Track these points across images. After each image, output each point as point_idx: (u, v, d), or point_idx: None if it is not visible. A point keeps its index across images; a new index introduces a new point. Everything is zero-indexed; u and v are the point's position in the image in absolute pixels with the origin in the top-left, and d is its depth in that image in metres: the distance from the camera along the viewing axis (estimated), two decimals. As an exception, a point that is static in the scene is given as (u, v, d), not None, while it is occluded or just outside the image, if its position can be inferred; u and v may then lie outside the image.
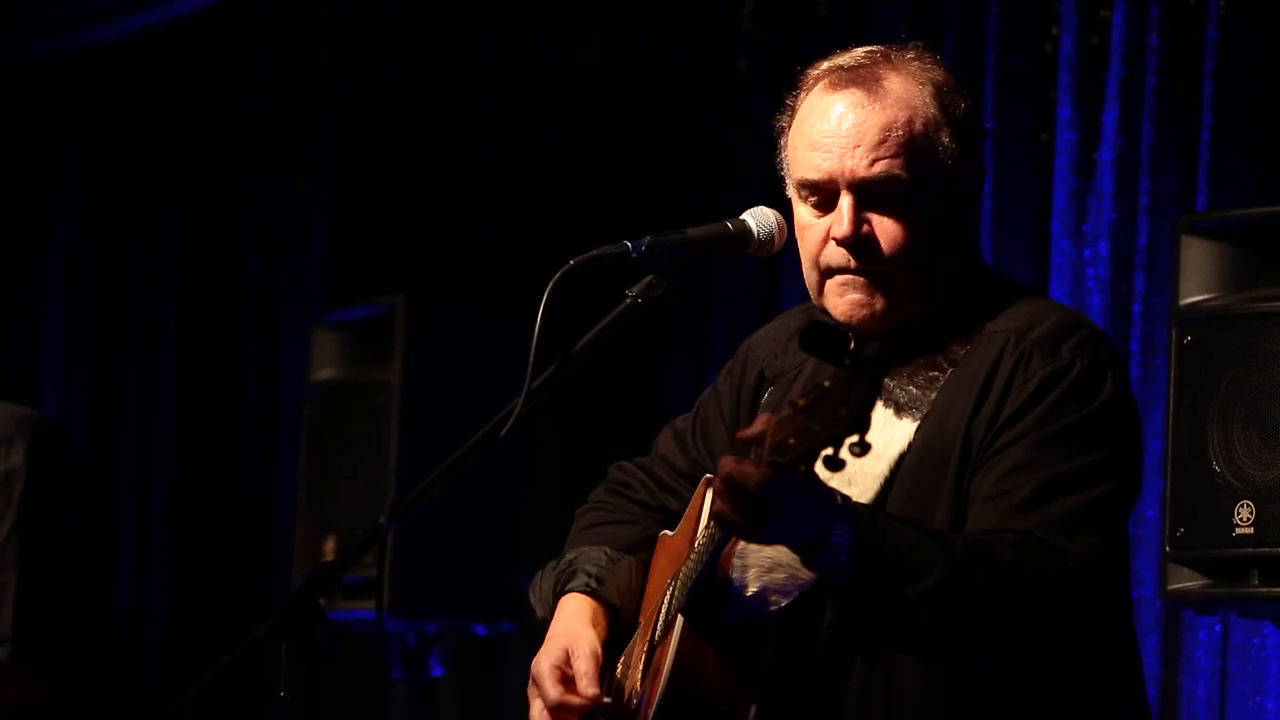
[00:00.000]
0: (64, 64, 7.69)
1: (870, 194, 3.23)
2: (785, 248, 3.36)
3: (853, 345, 3.24)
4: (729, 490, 2.89)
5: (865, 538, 2.96)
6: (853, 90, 3.24)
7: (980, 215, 3.38)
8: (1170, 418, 4.13)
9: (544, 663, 3.33)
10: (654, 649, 3.27)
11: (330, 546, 5.90)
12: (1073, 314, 3.33)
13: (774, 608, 3.14)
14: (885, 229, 3.23)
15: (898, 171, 3.21)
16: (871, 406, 2.80)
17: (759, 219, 3.30)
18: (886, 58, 3.28)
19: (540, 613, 3.46)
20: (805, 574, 3.11)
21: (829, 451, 2.81)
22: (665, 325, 6.08)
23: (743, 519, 2.91)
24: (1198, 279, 4.20)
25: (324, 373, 6.13)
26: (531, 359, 3.11)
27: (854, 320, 3.26)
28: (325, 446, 6.05)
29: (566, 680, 3.29)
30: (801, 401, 2.83)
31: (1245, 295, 4.14)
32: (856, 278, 3.24)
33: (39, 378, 7.68)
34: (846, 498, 3.00)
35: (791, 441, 2.83)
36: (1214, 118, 4.95)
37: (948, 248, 3.27)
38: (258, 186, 7.20)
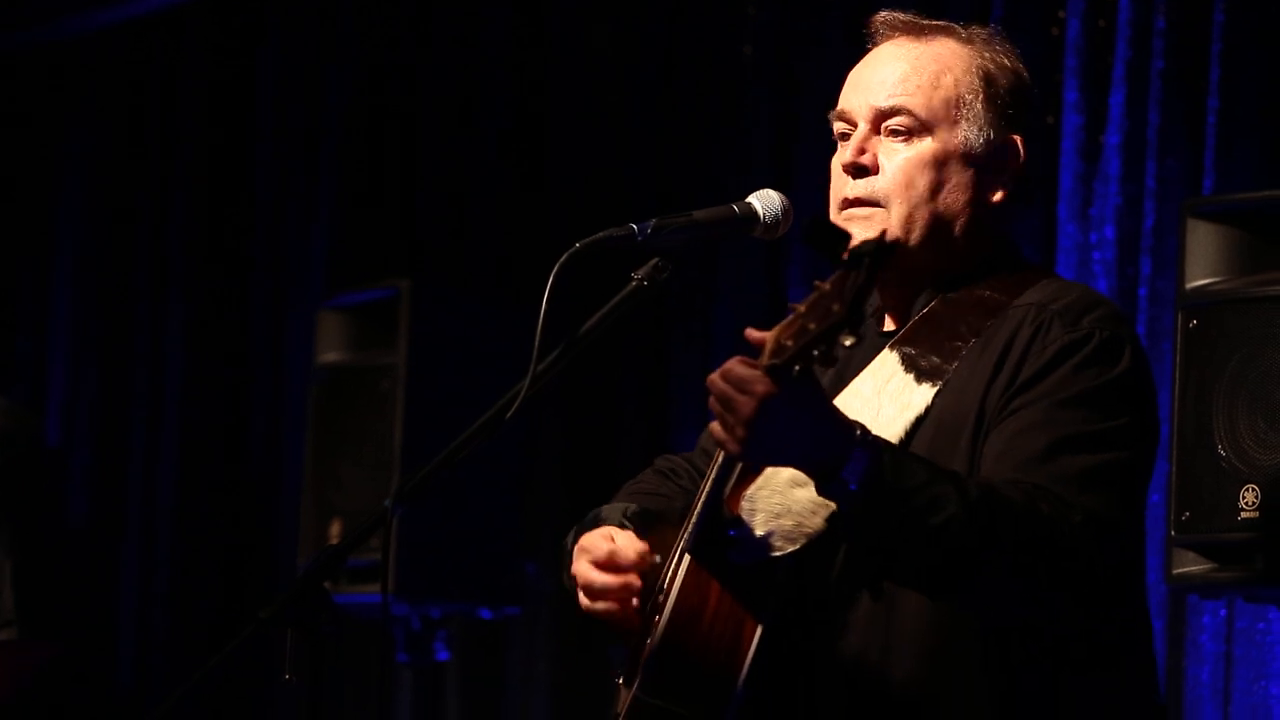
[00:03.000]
0: (69, 49, 7.70)
1: (883, 126, 3.30)
2: (791, 231, 3.35)
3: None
4: (721, 385, 2.92)
5: (881, 468, 2.96)
6: (899, 39, 3.35)
7: (1014, 201, 3.36)
8: (1175, 401, 4.13)
9: (591, 535, 3.28)
10: (664, 592, 3.27)
11: (335, 530, 5.91)
12: (1095, 293, 3.35)
13: (779, 554, 3.15)
14: (889, 158, 3.29)
15: (911, 107, 3.29)
16: (865, 300, 2.81)
17: (765, 202, 3.30)
18: (950, 28, 3.37)
19: (566, 550, 3.40)
20: (813, 523, 3.13)
21: (822, 348, 2.83)
22: (670, 311, 6.08)
23: (732, 418, 2.91)
24: (1203, 263, 4.20)
25: (329, 356, 6.13)
26: (537, 343, 3.12)
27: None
28: (330, 430, 6.05)
29: (613, 544, 3.25)
30: (801, 306, 2.86)
31: (1251, 279, 4.14)
32: (856, 210, 3.29)
33: (46, 363, 7.69)
34: (865, 428, 3.00)
35: (789, 343, 2.87)
36: (1220, 101, 4.95)
37: (959, 202, 3.29)
38: (263, 171, 7.21)
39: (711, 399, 2.95)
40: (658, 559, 3.25)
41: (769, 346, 2.90)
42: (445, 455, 3.16)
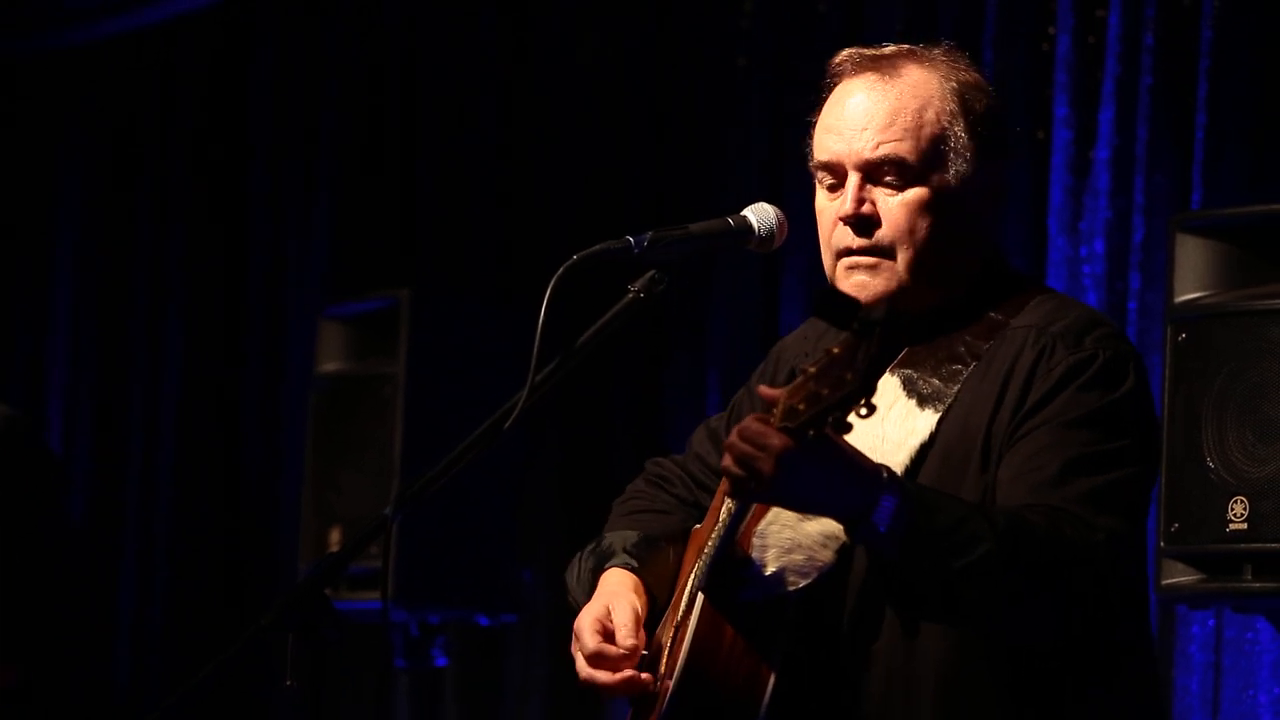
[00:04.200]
0: (67, 58, 7.71)
1: (875, 175, 3.29)
2: (785, 244, 3.39)
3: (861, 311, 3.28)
4: (740, 445, 2.95)
5: (913, 511, 2.99)
6: (869, 75, 3.32)
7: (1001, 214, 3.40)
8: (1165, 414, 4.14)
9: (585, 617, 3.32)
10: (679, 629, 3.31)
11: (335, 537, 5.93)
12: (1094, 311, 3.37)
13: (792, 589, 3.17)
14: (887, 208, 3.28)
15: (903, 154, 3.27)
16: (879, 370, 2.84)
17: (760, 215, 3.32)
18: (912, 52, 3.35)
19: (579, 598, 3.44)
20: (825, 556, 3.16)
21: (836, 415, 2.85)
22: (665, 322, 6.10)
23: (751, 479, 2.95)
24: (1192, 277, 4.21)
25: (329, 365, 6.16)
26: (535, 353, 3.13)
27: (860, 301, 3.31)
28: (330, 438, 6.08)
29: (606, 633, 3.29)
30: (812, 369, 2.88)
31: (1240, 293, 4.16)
32: (861, 259, 3.29)
33: (44, 373, 7.71)
34: (891, 471, 3.02)
35: (801, 407, 2.88)
36: (1209, 117, 4.96)
37: (957, 237, 3.30)
38: (261, 180, 7.23)
39: (728, 457, 2.98)
40: (645, 653, 3.28)
41: (780, 409, 2.92)
42: (444, 464, 3.17)
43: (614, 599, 3.33)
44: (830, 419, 2.87)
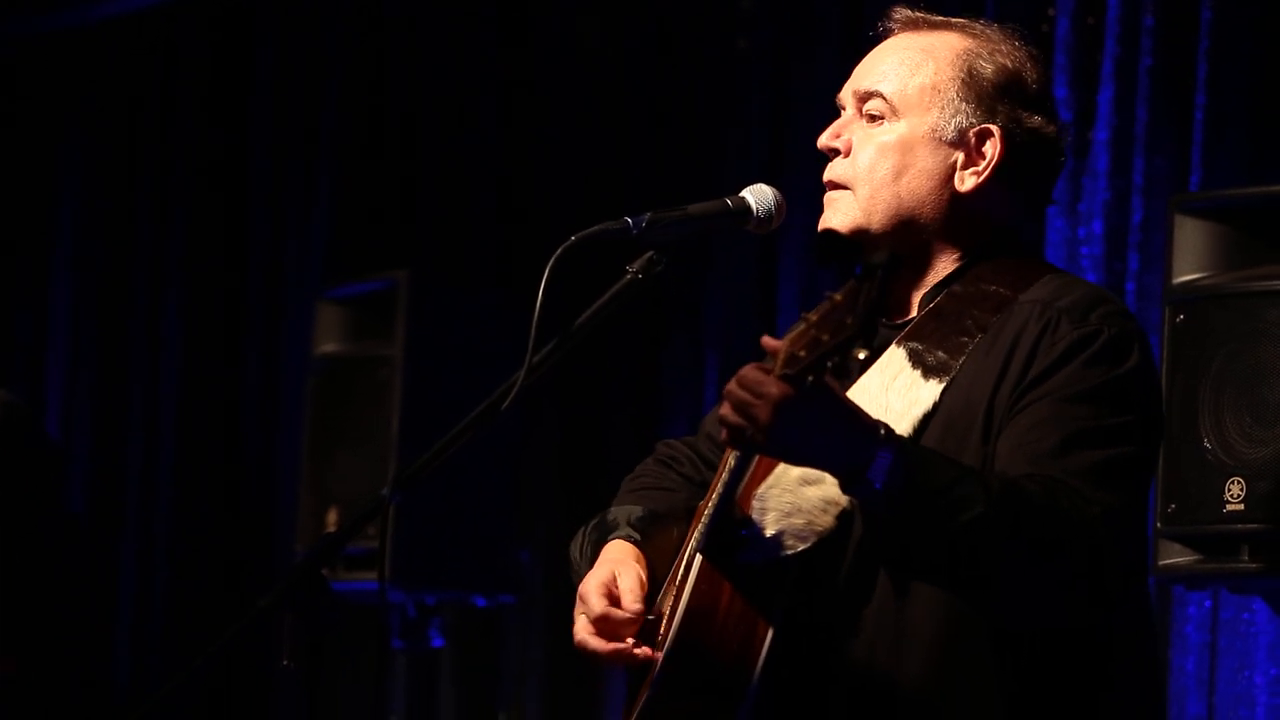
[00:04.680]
0: (66, 43, 7.71)
1: (861, 109, 3.34)
2: (783, 225, 3.39)
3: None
4: (738, 393, 2.95)
5: (908, 469, 2.99)
6: (905, 34, 3.39)
7: (1007, 191, 3.36)
8: (1163, 395, 4.15)
9: (591, 581, 3.32)
10: (678, 595, 3.31)
11: (333, 518, 5.94)
12: (1101, 289, 3.37)
13: (790, 552, 3.17)
14: (858, 140, 3.32)
15: (884, 92, 3.32)
16: (878, 314, 2.85)
17: (758, 196, 3.32)
18: (961, 24, 3.39)
19: (583, 569, 3.43)
20: (824, 521, 3.16)
21: (835, 360, 2.86)
22: (663, 303, 6.11)
23: (749, 425, 2.95)
24: (1191, 258, 4.22)
25: (327, 347, 6.17)
26: (532, 334, 3.13)
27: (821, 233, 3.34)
28: (328, 420, 6.09)
29: (612, 598, 3.28)
30: (813, 316, 2.88)
31: (1238, 274, 4.17)
32: (830, 192, 3.34)
33: (45, 355, 7.72)
34: (888, 427, 3.02)
35: (801, 354, 2.88)
36: (1208, 98, 4.96)
37: (929, 189, 3.30)
38: (261, 163, 7.23)
39: (726, 405, 2.98)
40: (650, 618, 3.28)
41: (781, 355, 2.92)
42: (441, 445, 3.17)
43: (620, 565, 3.33)
44: (830, 364, 2.88)
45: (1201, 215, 4.24)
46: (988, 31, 3.38)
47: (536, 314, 3.14)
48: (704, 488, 3.51)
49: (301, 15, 7.15)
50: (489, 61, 6.68)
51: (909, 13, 3.41)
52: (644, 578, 3.32)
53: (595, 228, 3.23)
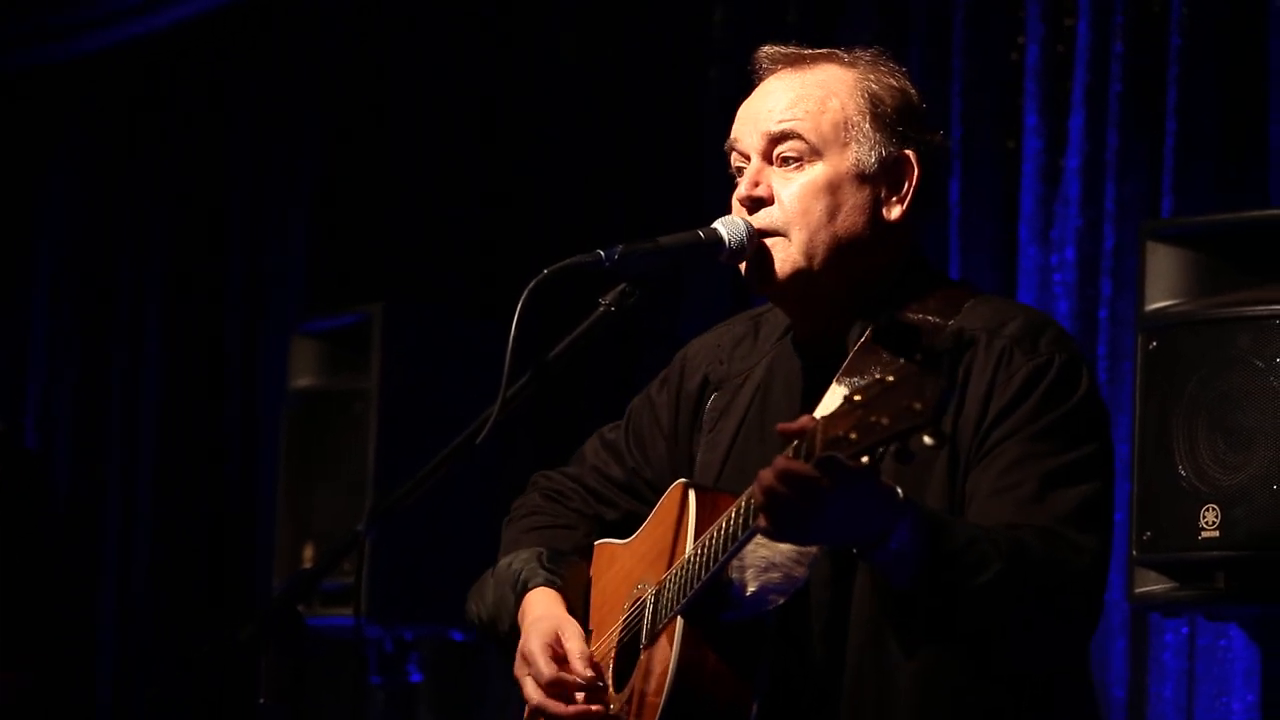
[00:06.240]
0: (49, 73, 7.72)
1: (774, 154, 3.32)
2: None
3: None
4: (780, 486, 2.89)
5: (927, 535, 2.99)
6: (783, 70, 3.37)
7: (919, 216, 3.37)
8: (1136, 422, 4.16)
9: (534, 642, 3.34)
10: (624, 650, 3.30)
11: (309, 553, 5.93)
12: (1037, 311, 3.38)
13: (771, 607, 3.17)
14: (783, 187, 3.31)
15: (801, 131, 3.30)
16: (950, 403, 2.81)
17: (730, 227, 3.32)
18: (833, 53, 3.39)
19: (485, 616, 3.47)
20: (799, 573, 3.15)
21: (899, 445, 2.79)
22: (637, 331, 6.10)
23: (789, 516, 2.91)
24: (1163, 284, 4.23)
25: (302, 381, 6.16)
26: (506, 367, 3.13)
27: (755, 289, 3.32)
28: (304, 454, 6.08)
29: (559, 659, 3.30)
30: (858, 396, 2.82)
31: (1210, 300, 4.18)
32: (765, 240, 3.30)
33: (24, 387, 7.70)
34: (903, 493, 3.00)
35: (853, 436, 2.81)
36: (1178, 124, 4.98)
37: (858, 225, 3.30)
38: (238, 196, 7.23)
39: (756, 489, 2.93)
40: (602, 684, 3.28)
41: (819, 437, 2.84)
42: (417, 479, 3.17)
43: (561, 623, 3.35)
44: (893, 447, 2.80)
45: (1173, 241, 4.25)
46: (863, 57, 3.39)
47: (510, 347, 3.14)
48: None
49: (278, 50, 7.15)
50: (465, 95, 6.69)
51: (783, 49, 3.41)
52: (582, 633, 3.34)
53: (567, 260, 3.23)
